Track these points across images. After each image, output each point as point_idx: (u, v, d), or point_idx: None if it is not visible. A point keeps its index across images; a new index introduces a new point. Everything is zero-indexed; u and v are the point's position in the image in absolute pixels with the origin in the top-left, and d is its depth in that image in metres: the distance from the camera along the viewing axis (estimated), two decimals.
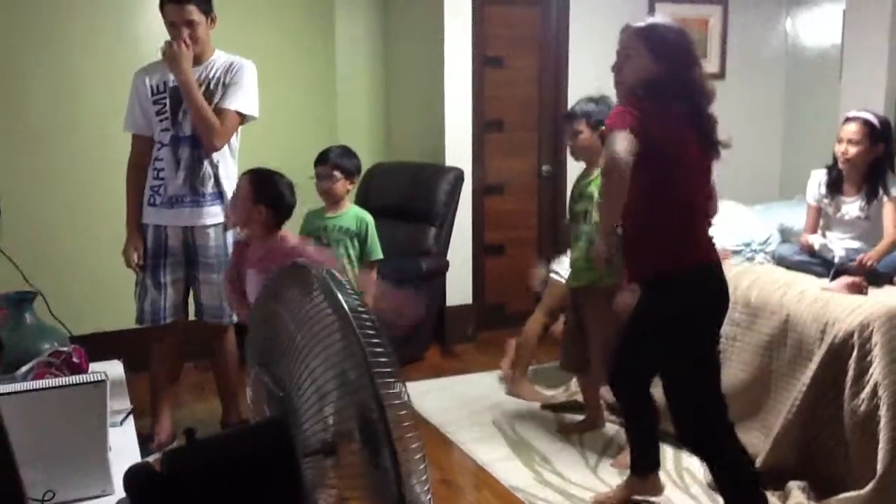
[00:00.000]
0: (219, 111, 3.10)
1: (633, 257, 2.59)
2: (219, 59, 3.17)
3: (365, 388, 1.12)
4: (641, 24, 2.47)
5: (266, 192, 2.85)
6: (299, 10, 4.89)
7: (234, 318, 3.24)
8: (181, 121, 3.11)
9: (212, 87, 3.12)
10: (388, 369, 1.11)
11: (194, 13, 3.04)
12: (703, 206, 2.54)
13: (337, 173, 3.34)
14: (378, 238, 3.39)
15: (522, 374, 4.04)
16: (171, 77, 3.09)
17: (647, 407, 2.77)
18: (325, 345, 1.19)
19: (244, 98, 3.15)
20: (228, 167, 3.22)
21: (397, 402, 1.13)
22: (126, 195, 3.23)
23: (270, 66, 4.65)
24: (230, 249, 3.19)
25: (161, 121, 3.14)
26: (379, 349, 1.12)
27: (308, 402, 1.21)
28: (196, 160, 3.13)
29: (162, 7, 3.07)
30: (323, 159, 3.38)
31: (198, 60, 3.12)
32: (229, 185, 3.17)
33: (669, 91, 2.38)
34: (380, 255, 3.40)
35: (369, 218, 3.40)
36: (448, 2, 4.70)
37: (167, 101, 3.12)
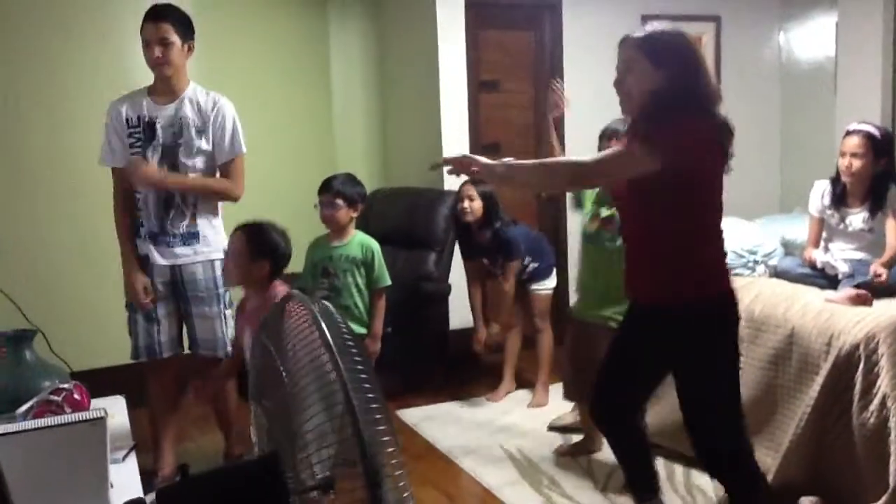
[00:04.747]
0: (227, 164, 3.16)
1: (651, 279, 2.41)
2: (196, 94, 3.14)
3: (349, 426, 1.09)
4: (639, 33, 2.37)
5: (264, 246, 2.80)
6: (294, 39, 4.93)
7: (230, 351, 3.21)
8: (149, 158, 3.07)
9: (188, 122, 3.08)
10: (374, 405, 1.09)
11: (170, 33, 3.01)
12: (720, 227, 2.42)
13: (339, 201, 3.34)
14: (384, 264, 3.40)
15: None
16: (145, 111, 3.08)
17: (636, 433, 2.66)
18: (318, 382, 1.17)
19: (241, 137, 3.18)
20: (208, 203, 3.18)
21: (384, 438, 1.10)
22: (117, 231, 3.16)
23: (267, 97, 4.69)
24: (220, 282, 3.17)
25: (133, 154, 3.09)
26: (366, 385, 1.10)
27: (301, 438, 1.20)
28: (163, 201, 3.10)
29: (141, 30, 3.04)
30: (326, 187, 3.38)
31: (172, 93, 3.10)
32: (207, 223, 3.15)
33: (680, 101, 2.26)
34: (388, 282, 3.40)
35: (375, 245, 3.40)
36: (442, 27, 4.73)
37: (140, 135, 3.09)
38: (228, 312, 3.23)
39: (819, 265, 3.36)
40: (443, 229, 4.63)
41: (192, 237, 3.14)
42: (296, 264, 3.51)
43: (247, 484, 1.22)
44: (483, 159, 2.36)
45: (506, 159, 2.41)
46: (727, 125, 2.34)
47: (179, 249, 3.12)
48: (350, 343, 1.14)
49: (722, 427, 2.42)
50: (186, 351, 3.30)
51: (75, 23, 4.13)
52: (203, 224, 3.15)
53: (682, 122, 2.25)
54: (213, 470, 1.38)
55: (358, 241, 3.40)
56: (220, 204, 3.24)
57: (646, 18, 5.26)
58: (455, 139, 4.81)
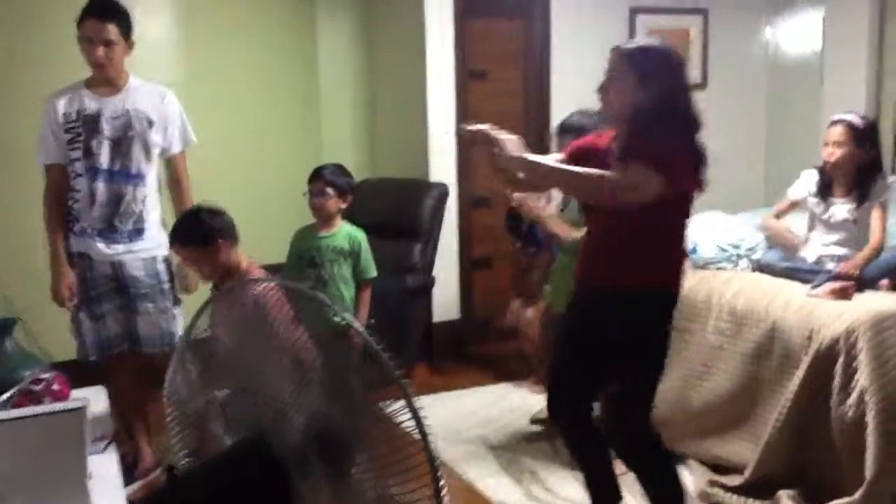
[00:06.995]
0: (174, 157, 3.16)
1: (602, 265, 2.44)
2: (139, 87, 3.09)
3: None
4: (630, 45, 2.40)
5: (207, 237, 2.73)
6: (281, 28, 4.89)
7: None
8: (96, 152, 3.00)
9: (138, 115, 3.03)
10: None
11: (113, 33, 2.94)
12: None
13: (330, 190, 3.34)
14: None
15: None
16: (87, 104, 3.01)
17: (591, 432, 2.60)
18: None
19: (188, 131, 3.17)
20: (154, 198, 3.15)
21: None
22: (48, 230, 3.09)
23: (253, 86, 4.67)
24: (163, 277, 3.14)
25: (73, 150, 3.02)
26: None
27: (301, 417, 1.21)
28: (114, 196, 3.03)
29: (80, 22, 2.94)
30: (316, 176, 3.37)
31: (114, 85, 3.04)
32: (154, 221, 3.10)
33: (666, 120, 2.28)
34: (373, 274, 3.40)
35: (362, 236, 3.40)
36: (430, 16, 4.71)
37: (81, 129, 3.01)
38: (178, 310, 3.19)
39: (801, 253, 3.40)
40: (428, 219, 4.62)
41: (137, 234, 3.09)
42: (280, 254, 3.52)
43: (238, 472, 1.22)
44: (506, 141, 2.35)
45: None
46: (705, 154, 2.35)
47: (122, 246, 3.07)
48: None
49: (647, 414, 2.53)
50: None
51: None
52: (150, 221, 3.11)
53: (679, 143, 2.28)
54: (199, 466, 1.38)
55: (345, 233, 3.39)
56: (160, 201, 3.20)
57: (634, 11, 5.26)
58: (443, 129, 4.80)
